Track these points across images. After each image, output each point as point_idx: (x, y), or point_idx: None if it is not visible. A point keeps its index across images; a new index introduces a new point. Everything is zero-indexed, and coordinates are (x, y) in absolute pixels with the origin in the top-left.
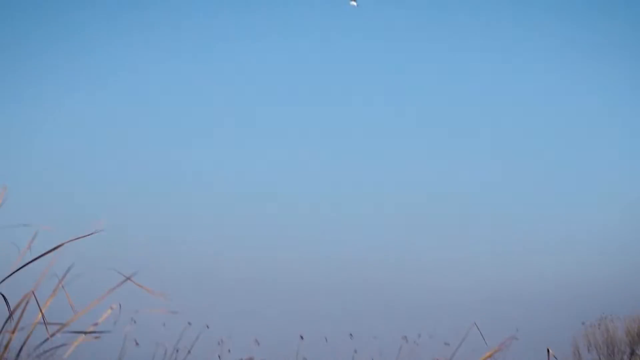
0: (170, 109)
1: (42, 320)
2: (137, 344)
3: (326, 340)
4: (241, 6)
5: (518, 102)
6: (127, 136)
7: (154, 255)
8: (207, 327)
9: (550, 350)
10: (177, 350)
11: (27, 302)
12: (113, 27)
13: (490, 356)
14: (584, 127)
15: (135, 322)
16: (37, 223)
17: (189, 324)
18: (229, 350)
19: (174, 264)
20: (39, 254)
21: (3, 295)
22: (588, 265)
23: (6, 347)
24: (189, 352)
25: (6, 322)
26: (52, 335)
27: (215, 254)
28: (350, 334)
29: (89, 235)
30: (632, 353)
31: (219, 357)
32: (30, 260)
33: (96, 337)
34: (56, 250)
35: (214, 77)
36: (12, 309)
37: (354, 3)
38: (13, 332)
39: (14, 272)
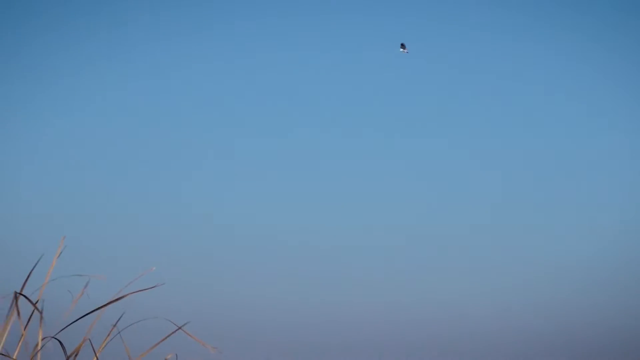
0: (224, 158)
1: None
2: None
3: None
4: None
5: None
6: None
7: (209, 303)
8: None
9: None
10: None
11: (81, 347)
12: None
13: None
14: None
15: None
16: (91, 273)
17: None
18: None
19: (228, 313)
20: (100, 303)
21: (60, 341)
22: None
23: None
24: None
25: None
26: None
27: (272, 303)
28: None
29: (151, 288)
30: None
31: None
32: (92, 309)
33: None
34: (109, 296)
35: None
36: (68, 355)
37: (405, 50)
38: None
39: (74, 322)
